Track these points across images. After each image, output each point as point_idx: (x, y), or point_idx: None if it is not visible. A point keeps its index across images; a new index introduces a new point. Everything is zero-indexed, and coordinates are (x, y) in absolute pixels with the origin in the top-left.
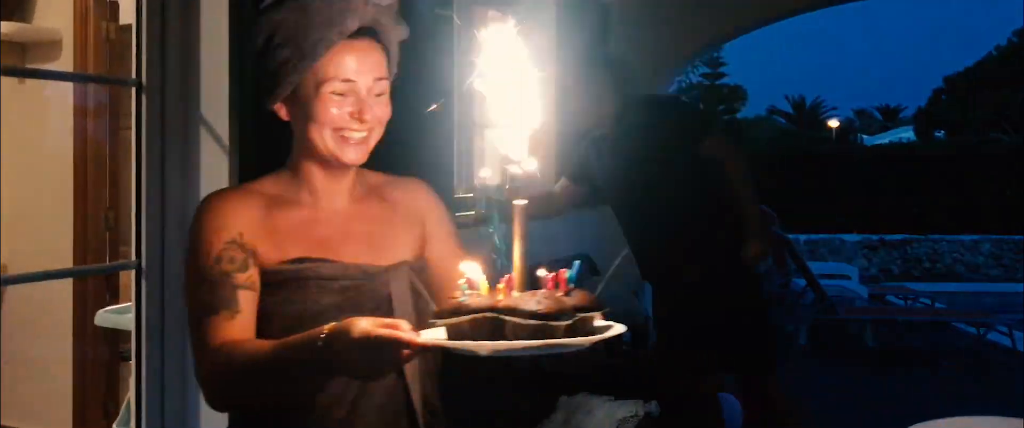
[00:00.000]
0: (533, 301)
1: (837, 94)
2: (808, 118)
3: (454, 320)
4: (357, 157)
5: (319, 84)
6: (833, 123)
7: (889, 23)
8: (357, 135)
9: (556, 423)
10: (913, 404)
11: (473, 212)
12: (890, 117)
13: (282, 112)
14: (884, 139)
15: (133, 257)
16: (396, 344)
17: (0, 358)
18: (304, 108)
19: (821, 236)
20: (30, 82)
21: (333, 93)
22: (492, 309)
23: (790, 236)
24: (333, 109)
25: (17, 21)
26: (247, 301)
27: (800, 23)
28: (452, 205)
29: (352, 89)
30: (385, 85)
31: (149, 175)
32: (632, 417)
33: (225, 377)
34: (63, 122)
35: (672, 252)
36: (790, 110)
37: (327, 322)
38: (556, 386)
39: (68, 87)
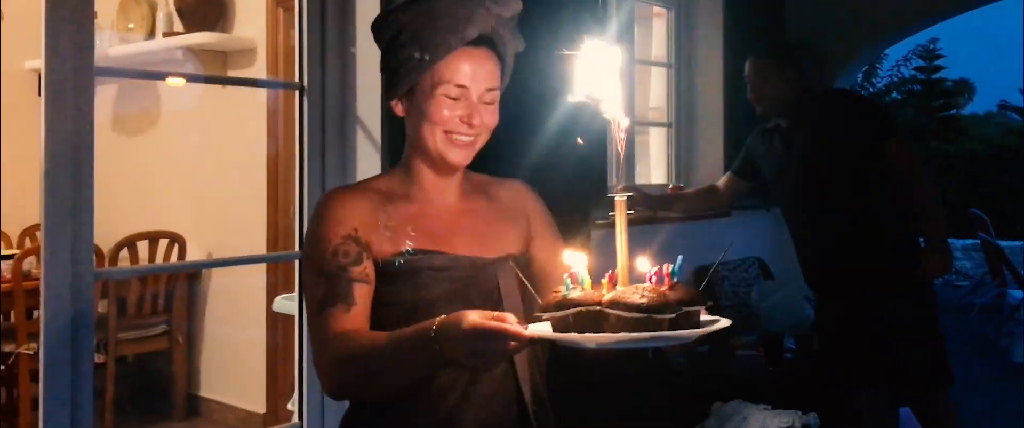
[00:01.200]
0: (637, 295)
1: None
2: None
3: (559, 313)
4: (462, 159)
5: (435, 86)
6: None
7: None
8: (464, 138)
9: None
10: None
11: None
12: None
13: (398, 109)
14: None
15: (297, 248)
16: (504, 336)
17: (203, 338)
18: (419, 107)
19: None
20: (230, 87)
21: (446, 96)
22: (596, 303)
23: (1018, 243)
24: (445, 111)
25: (219, 32)
26: (362, 294)
27: None
28: (606, 204)
29: (465, 94)
30: (496, 95)
31: (310, 170)
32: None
33: (342, 367)
34: (258, 123)
35: (839, 259)
36: None
37: (439, 310)
38: (711, 390)
39: (263, 90)
